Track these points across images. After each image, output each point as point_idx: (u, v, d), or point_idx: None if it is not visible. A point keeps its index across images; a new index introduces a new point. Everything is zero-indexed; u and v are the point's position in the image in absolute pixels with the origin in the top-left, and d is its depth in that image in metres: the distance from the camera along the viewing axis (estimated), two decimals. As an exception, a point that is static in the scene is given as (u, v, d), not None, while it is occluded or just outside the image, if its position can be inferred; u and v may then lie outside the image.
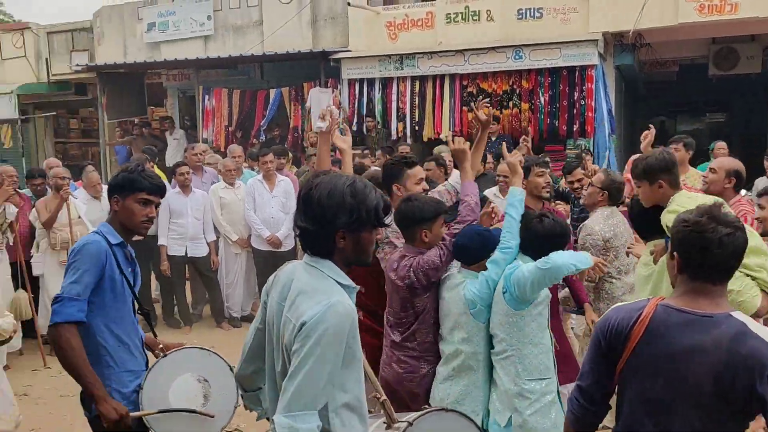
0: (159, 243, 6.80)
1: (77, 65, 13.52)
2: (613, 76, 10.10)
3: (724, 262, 1.86)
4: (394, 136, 10.37)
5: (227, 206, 7.12)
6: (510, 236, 3.20)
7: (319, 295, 1.92)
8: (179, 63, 12.21)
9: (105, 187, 7.38)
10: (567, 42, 9.43)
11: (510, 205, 3.30)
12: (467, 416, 2.59)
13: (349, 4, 10.54)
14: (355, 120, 10.59)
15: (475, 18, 10.19)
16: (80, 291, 2.62)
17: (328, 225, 1.96)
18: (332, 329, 1.87)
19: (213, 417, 2.71)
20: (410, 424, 2.33)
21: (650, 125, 5.29)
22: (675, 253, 1.93)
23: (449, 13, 10.29)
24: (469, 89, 10.11)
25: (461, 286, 3.19)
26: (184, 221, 6.79)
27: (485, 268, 3.20)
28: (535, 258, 3.09)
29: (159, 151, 12.22)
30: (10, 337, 3.32)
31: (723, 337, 1.80)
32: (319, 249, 2.03)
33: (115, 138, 13.74)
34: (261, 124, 11.63)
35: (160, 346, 2.89)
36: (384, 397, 2.38)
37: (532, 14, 9.92)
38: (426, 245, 3.26)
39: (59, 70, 14.54)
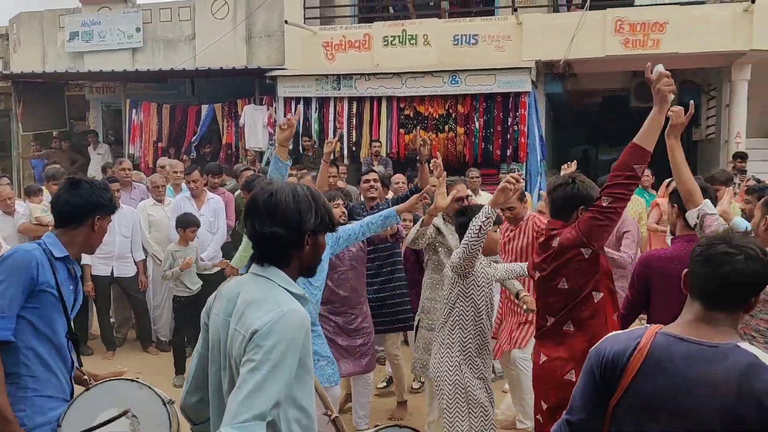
0: (82, 262, 6.37)
1: (-10, 73, 12.74)
2: (544, 103, 10.40)
3: (741, 290, 1.72)
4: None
5: (156, 224, 6.79)
6: None
7: (271, 304, 1.83)
8: (104, 75, 11.63)
9: (18, 202, 6.94)
10: (502, 69, 9.64)
11: None
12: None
13: (286, 22, 10.42)
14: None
15: (412, 42, 10.28)
16: (4, 307, 2.35)
17: (299, 228, 1.92)
18: (287, 338, 1.77)
19: None
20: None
21: (573, 160, 5.55)
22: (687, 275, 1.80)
23: (386, 36, 10.35)
24: (406, 112, 10.18)
25: None
26: (110, 239, 6.35)
27: None
28: None
29: (81, 165, 11.65)
30: None
31: (732, 370, 1.62)
32: (280, 256, 1.95)
33: (30, 151, 12.98)
34: (192, 140, 11.27)
35: (84, 377, 2.60)
36: (335, 414, 2.26)
37: (467, 41, 10.10)
38: None
39: (-31, 77, 13.67)
